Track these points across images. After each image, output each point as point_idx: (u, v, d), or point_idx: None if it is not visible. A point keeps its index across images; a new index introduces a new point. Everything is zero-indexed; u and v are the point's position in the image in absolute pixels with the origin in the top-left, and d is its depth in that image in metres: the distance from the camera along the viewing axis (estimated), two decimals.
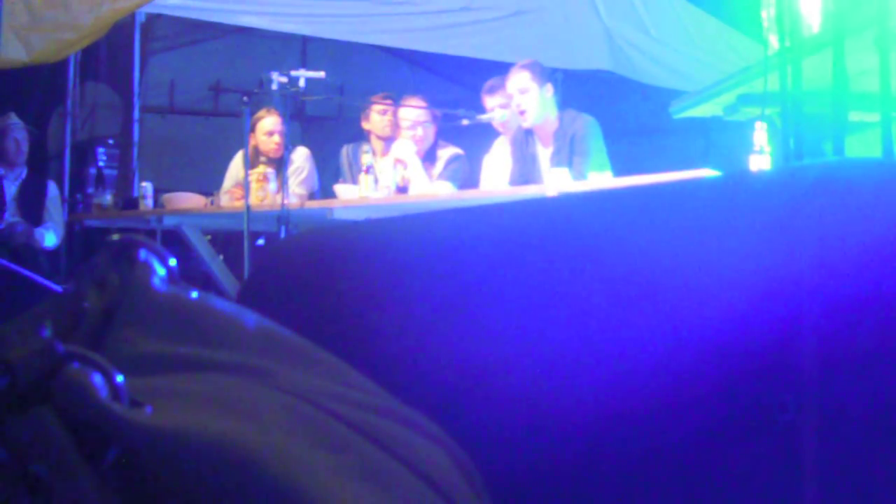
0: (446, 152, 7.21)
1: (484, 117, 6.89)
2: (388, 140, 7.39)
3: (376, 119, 7.50)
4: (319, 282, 1.27)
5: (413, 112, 7.15)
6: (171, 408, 0.77)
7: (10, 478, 0.74)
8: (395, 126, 7.34)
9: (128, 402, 0.76)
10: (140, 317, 0.85)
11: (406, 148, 7.13)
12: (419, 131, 7.15)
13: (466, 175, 7.17)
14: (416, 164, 7.05)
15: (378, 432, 0.85)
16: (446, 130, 7.32)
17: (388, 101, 7.48)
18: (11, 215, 7.85)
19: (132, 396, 0.77)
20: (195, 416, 0.76)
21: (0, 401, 0.75)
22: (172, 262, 0.91)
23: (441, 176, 7.07)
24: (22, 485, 0.74)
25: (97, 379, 0.75)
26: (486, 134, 7.15)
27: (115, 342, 0.83)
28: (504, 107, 6.73)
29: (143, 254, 0.89)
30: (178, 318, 0.86)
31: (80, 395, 0.74)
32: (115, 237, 0.90)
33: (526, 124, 6.43)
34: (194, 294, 0.89)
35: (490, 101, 6.89)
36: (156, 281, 0.88)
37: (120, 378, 0.76)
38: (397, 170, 7.13)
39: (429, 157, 7.20)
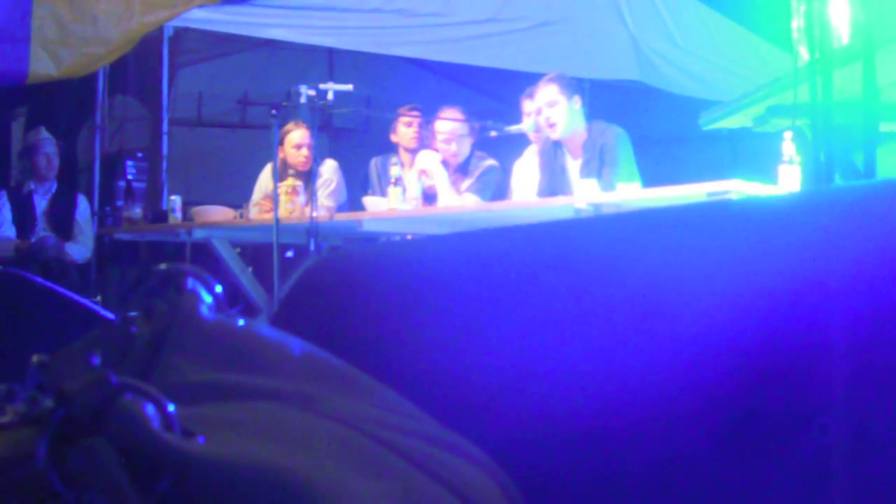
0: (481, 164, 7.21)
1: (513, 128, 6.89)
2: (416, 152, 7.39)
3: (403, 131, 7.51)
4: (352, 302, 1.28)
5: (449, 125, 7.15)
6: (222, 437, 0.78)
7: None
8: (431, 137, 7.34)
9: (180, 432, 0.77)
10: (188, 345, 0.86)
11: (430, 158, 7.13)
12: (453, 146, 7.15)
13: (498, 186, 7.18)
14: (440, 174, 7.04)
15: (423, 458, 0.85)
16: (476, 141, 7.32)
17: (415, 113, 7.49)
18: (42, 230, 7.89)
19: (184, 426, 0.78)
20: (246, 444, 0.77)
21: (56, 431, 0.76)
22: (219, 289, 0.92)
23: (470, 188, 7.07)
24: None
25: (150, 409, 0.76)
26: (518, 143, 7.16)
27: (164, 371, 0.84)
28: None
29: (189, 282, 0.90)
30: (225, 346, 0.87)
31: (134, 425, 0.75)
32: (162, 266, 0.91)
33: (555, 136, 6.42)
34: (241, 322, 0.90)
35: (527, 106, 6.89)
36: (203, 309, 0.89)
37: (171, 408, 0.77)
38: (422, 181, 7.13)
39: (463, 169, 7.19)
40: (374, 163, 7.64)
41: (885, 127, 3.67)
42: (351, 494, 0.78)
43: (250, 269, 7.70)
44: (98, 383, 0.76)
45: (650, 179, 6.33)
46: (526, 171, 6.95)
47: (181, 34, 9.57)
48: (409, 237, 6.89)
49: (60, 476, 0.76)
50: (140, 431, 0.74)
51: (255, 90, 10.22)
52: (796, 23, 3.91)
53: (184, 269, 0.91)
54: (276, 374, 0.87)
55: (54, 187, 8.10)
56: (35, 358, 0.80)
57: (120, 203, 8.64)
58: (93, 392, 0.76)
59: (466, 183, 7.13)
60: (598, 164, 6.25)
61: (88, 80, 8.96)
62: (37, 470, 0.75)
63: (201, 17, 8.74)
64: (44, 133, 8.14)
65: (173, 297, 0.89)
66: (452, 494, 0.85)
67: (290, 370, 0.88)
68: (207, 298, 0.91)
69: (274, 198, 6.72)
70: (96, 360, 0.79)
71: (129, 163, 9.25)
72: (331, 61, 11.32)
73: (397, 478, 0.83)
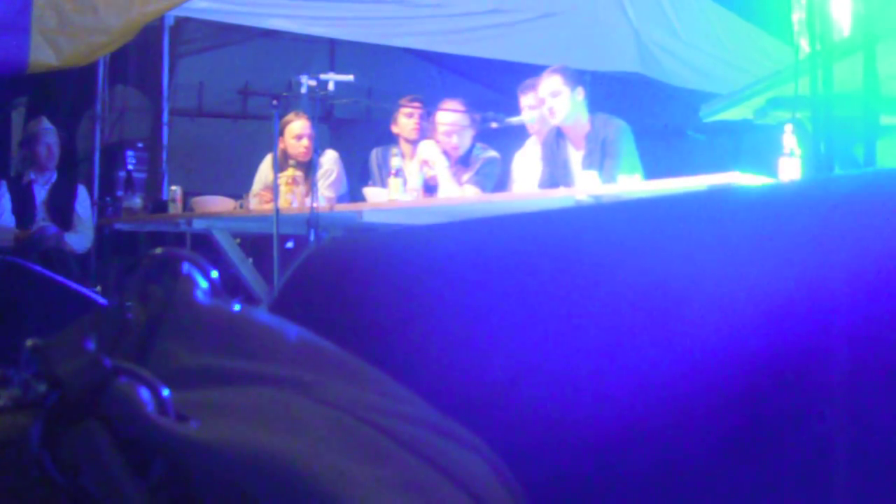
0: (482, 155, 7.22)
1: (514, 120, 6.90)
2: (417, 143, 7.40)
3: (404, 122, 7.52)
4: (351, 291, 1.27)
5: (450, 117, 7.15)
6: (217, 422, 0.77)
7: (59, 492, 0.75)
8: (432, 128, 7.34)
9: (174, 416, 0.76)
10: (184, 330, 0.86)
11: (431, 149, 7.13)
12: (454, 138, 7.16)
13: (499, 177, 7.19)
14: (441, 164, 7.05)
15: (421, 445, 0.85)
16: (477, 133, 7.33)
17: (416, 104, 7.49)
18: (42, 220, 7.89)
19: (178, 410, 0.77)
20: (241, 429, 0.77)
21: (49, 415, 0.75)
22: (215, 274, 0.92)
23: (471, 180, 7.08)
24: (70, 499, 0.74)
25: (144, 393, 0.75)
26: (520, 134, 7.17)
27: (159, 356, 0.84)
28: (533, 108, 6.75)
29: (185, 267, 0.90)
30: (221, 331, 0.86)
31: (128, 409, 0.74)
32: (158, 250, 0.90)
33: (554, 122, 6.44)
34: (237, 307, 0.89)
35: (523, 101, 6.92)
36: (199, 294, 0.88)
37: (166, 392, 0.77)
38: (423, 172, 7.14)
39: (464, 161, 7.20)
40: (375, 154, 7.64)
41: (885, 119, 3.67)
42: (348, 480, 0.78)
43: (250, 259, 7.70)
44: (92, 367, 0.76)
45: (651, 172, 6.34)
46: (527, 163, 6.96)
47: (182, 24, 9.57)
48: None
49: (54, 460, 0.75)
50: (134, 415, 0.74)
51: (256, 80, 10.20)
52: (797, 15, 3.91)
53: (179, 253, 0.90)
54: (273, 360, 0.86)
55: (54, 177, 8.09)
56: (28, 342, 0.79)
57: (120, 193, 8.65)
58: (86, 375, 0.76)
59: (467, 175, 7.14)
60: (601, 156, 6.27)
61: (89, 70, 8.96)
62: (30, 454, 0.75)
63: (202, 7, 8.74)
64: (45, 123, 8.14)
65: (168, 282, 0.88)
66: (451, 482, 0.85)
67: (286, 356, 0.87)
68: (203, 283, 0.90)
69: (274, 188, 6.72)
70: (90, 345, 0.79)
71: (130, 153, 9.25)
72: (332, 52, 11.31)
73: (395, 464, 0.83)
